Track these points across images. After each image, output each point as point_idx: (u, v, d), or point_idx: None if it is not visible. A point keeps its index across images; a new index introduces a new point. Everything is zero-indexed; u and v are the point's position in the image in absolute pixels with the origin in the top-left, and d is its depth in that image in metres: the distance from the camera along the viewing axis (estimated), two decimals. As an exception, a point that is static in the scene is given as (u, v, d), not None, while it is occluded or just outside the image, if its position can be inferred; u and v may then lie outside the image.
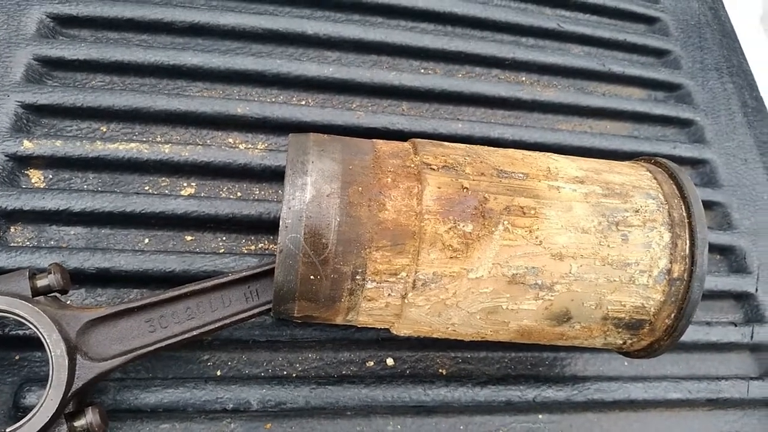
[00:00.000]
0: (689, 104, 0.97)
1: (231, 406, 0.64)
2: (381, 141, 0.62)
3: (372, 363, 0.72)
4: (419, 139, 0.63)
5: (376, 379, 0.70)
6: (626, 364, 0.78)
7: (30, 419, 0.53)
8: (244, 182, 0.77)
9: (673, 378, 0.78)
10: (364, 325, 0.62)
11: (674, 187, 0.62)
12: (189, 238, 0.73)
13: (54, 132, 0.75)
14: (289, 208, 0.54)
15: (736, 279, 0.85)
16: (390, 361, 0.72)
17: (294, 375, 0.69)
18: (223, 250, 0.73)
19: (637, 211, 0.59)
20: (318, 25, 0.86)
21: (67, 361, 0.54)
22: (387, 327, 0.62)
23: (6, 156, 0.70)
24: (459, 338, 0.63)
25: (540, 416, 0.73)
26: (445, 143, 0.63)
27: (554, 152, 0.66)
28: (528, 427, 0.72)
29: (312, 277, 0.55)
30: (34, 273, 0.58)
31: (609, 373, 0.77)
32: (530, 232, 0.56)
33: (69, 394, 0.54)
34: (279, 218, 0.68)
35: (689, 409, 0.77)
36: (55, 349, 0.55)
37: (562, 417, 0.73)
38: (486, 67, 0.92)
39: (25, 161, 0.72)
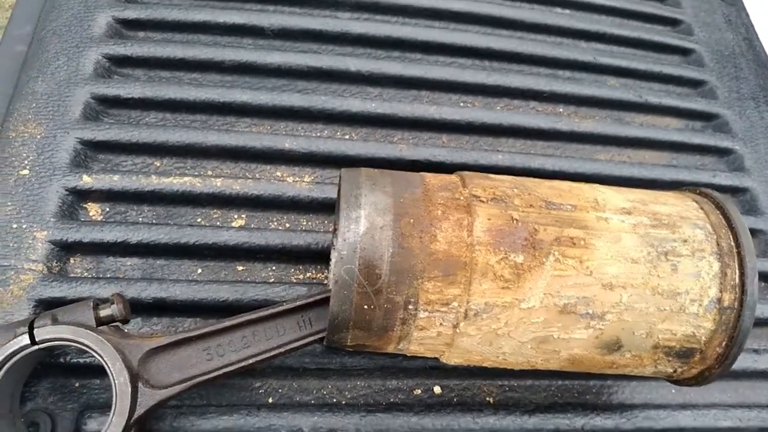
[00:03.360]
0: (727, 133, 0.98)
1: (283, 432, 0.66)
2: (429, 174, 0.64)
3: (420, 391, 0.72)
4: (467, 172, 0.64)
5: (424, 407, 0.70)
6: (674, 392, 0.77)
7: (96, 445, 0.55)
8: (293, 214, 0.79)
9: (723, 406, 0.77)
10: (415, 354, 0.63)
11: (721, 217, 0.63)
12: (240, 268, 0.75)
13: (111, 167, 0.78)
14: (344, 240, 0.56)
15: (783, 307, 0.84)
16: (437, 390, 0.73)
17: (343, 402, 0.70)
18: (273, 280, 0.75)
19: (685, 241, 0.60)
20: (360, 62, 0.89)
21: (130, 389, 0.56)
22: (437, 356, 0.63)
23: (66, 190, 0.73)
24: (509, 367, 0.63)
25: (588, 445, 0.72)
26: (492, 175, 0.64)
27: (594, 182, 0.67)
28: (577, 456, 0.72)
29: (366, 306, 0.56)
30: (98, 303, 0.61)
31: (657, 401, 0.77)
32: (581, 262, 0.57)
33: (131, 421, 0.56)
34: (327, 248, 0.70)
35: (740, 438, 0.76)
36: (119, 377, 0.56)
37: (611, 445, 0.73)
38: (524, 100, 0.94)
39: (83, 195, 0.75)
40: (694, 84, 1.02)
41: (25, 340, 0.56)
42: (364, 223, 0.56)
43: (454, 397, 0.73)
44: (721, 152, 0.97)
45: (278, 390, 0.70)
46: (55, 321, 0.58)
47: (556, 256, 0.57)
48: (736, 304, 0.59)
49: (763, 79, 1.05)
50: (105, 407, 0.64)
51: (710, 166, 0.96)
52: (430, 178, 0.63)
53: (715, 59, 1.05)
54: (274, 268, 0.76)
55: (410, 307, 0.57)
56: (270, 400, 0.69)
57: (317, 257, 0.76)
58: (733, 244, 0.61)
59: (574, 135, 0.91)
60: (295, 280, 0.76)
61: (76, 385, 0.67)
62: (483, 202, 0.59)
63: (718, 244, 0.60)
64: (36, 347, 0.57)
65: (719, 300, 0.59)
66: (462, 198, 0.60)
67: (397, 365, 0.73)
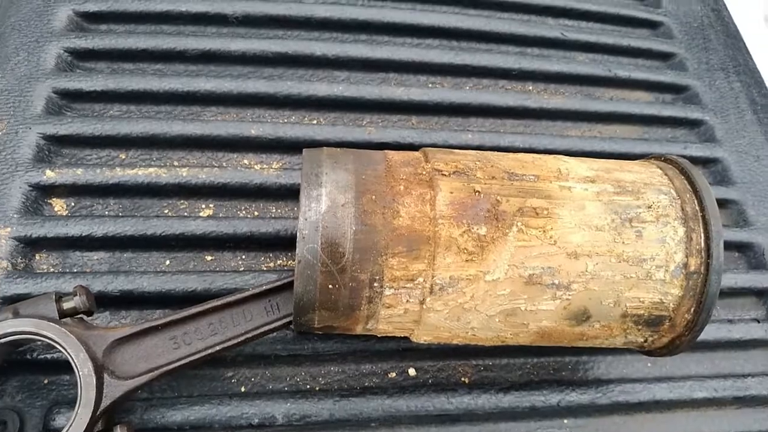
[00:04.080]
0: (697, 105, 0.98)
1: (256, 421, 0.65)
2: (392, 151, 0.64)
3: (394, 374, 0.72)
4: (430, 148, 0.64)
5: (398, 389, 0.70)
6: (649, 365, 0.77)
7: (61, 438, 0.54)
8: (261, 201, 0.78)
9: (698, 377, 0.77)
10: (384, 334, 0.62)
11: (685, 182, 0.63)
12: (209, 257, 0.74)
13: (75, 161, 0.77)
14: (306, 219, 0.55)
15: (755, 275, 0.84)
16: (412, 372, 0.72)
17: (317, 388, 0.70)
18: (242, 268, 0.74)
19: (649, 207, 0.59)
20: (326, 46, 0.88)
21: (94, 380, 0.55)
22: (407, 335, 0.62)
23: (29, 186, 0.72)
24: (479, 343, 0.63)
25: (565, 421, 0.72)
26: (455, 150, 0.64)
27: (565, 158, 0.67)
28: (554, 432, 0.72)
29: (330, 286, 0.56)
30: (60, 296, 0.60)
31: (633, 375, 0.77)
32: (544, 232, 0.57)
33: (98, 413, 0.55)
34: (296, 233, 0.69)
35: (716, 408, 0.76)
36: (83, 369, 0.56)
37: (588, 421, 0.73)
38: (493, 79, 0.94)
39: (47, 190, 0.74)
40: (664, 56, 1.02)
41: (-14, 334, 0.56)
42: (326, 201, 0.56)
43: (429, 378, 0.73)
44: (692, 124, 0.96)
45: (250, 379, 0.70)
46: (16, 314, 0.57)
47: (519, 227, 0.56)
48: (702, 268, 0.59)
49: (732, 50, 1.05)
50: (74, 403, 0.62)
51: (681, 138, 0.96)
52: (393, 154, 0.62)
53: (683, 31, 1.05)
54: (243, 256, 0.75)
55: (375, 284, 0.56)
56: (242, 389, 0.69)
57: (287, 244, 0.75)
58: (697, 208, 0.60)
59: (544, 112, 0.91)
60: (265, 268, 0.75)
61: (45, 381, 0.66)
62: (445, 175, 0.58)
63: (682, 209, 0.60)
64: (-3, 342, 0.56)
65: (685, 265, 0.59)
66: (424, 173, 0.59)
67: (370, 349, 0.72)
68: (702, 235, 0.59)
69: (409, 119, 0.88)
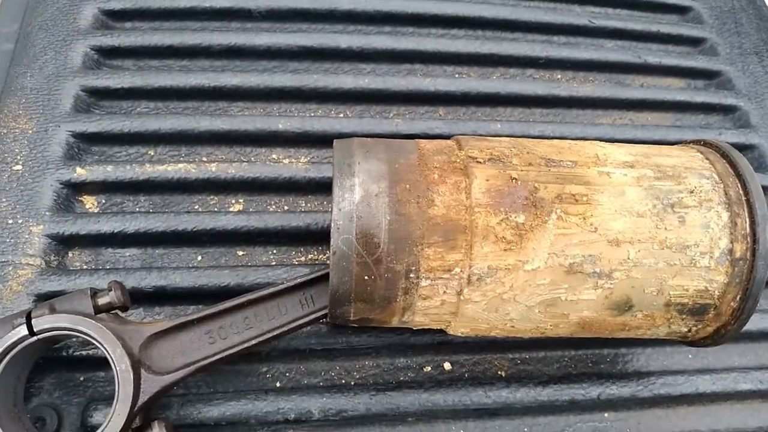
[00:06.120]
0: (731, 90, 0.95)
1: (293, 416, 0.65)
2: (424, 140, 0.62)
3: (429, 368, 0.71)
4: (463, 136, 0.63)
5: (435, 383, 0.69)
6: (690, 356, 0.76)
7: (100, 434, 0.54)
8: (290, 195, 0.78)
9: (742, 369, 0.75)
10: (421, 326, 0.61)
11: (727, 165, 0.61)
12: (241, 252, 0.74)
13: (104, 158, 0.77)
14: (340, 210, 0.55)
15: (798, 263, 0.82)
16: (447, 366, 0.71)
17: (352, 383, 0.69)
18: (274, 263, 0.74)
19: (691, 192, 0.58)
20: (351, 38, 0.87)
21: (132, 376, 0.55)
22: (443, 327, 0.61)
23: (60, 183, 0.73)
24: (518, 335, 0.62)
25: (605, 414, 0.71)
26: (489, 137, 0.63)
27: (597, 146, 0.65)
28: (594, 426, 0.70)
29: (366, 277, 0.55)
30: (95, 292, 0.59)
31: (674, 367, 0.75)
32: (584, 219, 0.55)
33: (135, 408, 0.55)
34: (327, 228, 0.69)
35: (762, 400, 0.74)
36: (120, 364, 0.55)
37: (629, 414, 0.71)
38: (520, 68, 0.92)
39: (78, 188, 0.74)
40: (694, 42, 1.00)
41: (24, 331, 0.56)
42: (359, 191, 0.55)
43: (465, 372, 0.72)
44: (726, 110, 0.94)
45: (285, 374, 0.69)
46: (52, 311, 0.57)
47: (558, 214, 0.55)
48: (748, 254, 0.57)
49: (765, 33, 1.02)
50: (110, 399, 0.62)
51: (716, 125, 0.94)
52: (425, 143, 0.61)
53: (714, 15, 1.03)
54: (274, 251, 0.75)
55: (411, 275, 0.55)
56: (277, 384, 0.68)
57: (318, 238, 0.75)
58: (741, 192, 0.59)
59: (574, 100, 0.89)
60: (296, 262, 0.74)
61: (81, 378, 0.66)
62: (480, 163, 0.57)
63: (726, 193, 0.58)
64: (35, 338, 0.56)
65: (731, 251, 0.57)
66: (458, 160, 0.58)
67: (405, 342, 0.71)
68: (747, 219, 0.57)
69: (437, 110, 0.87)
